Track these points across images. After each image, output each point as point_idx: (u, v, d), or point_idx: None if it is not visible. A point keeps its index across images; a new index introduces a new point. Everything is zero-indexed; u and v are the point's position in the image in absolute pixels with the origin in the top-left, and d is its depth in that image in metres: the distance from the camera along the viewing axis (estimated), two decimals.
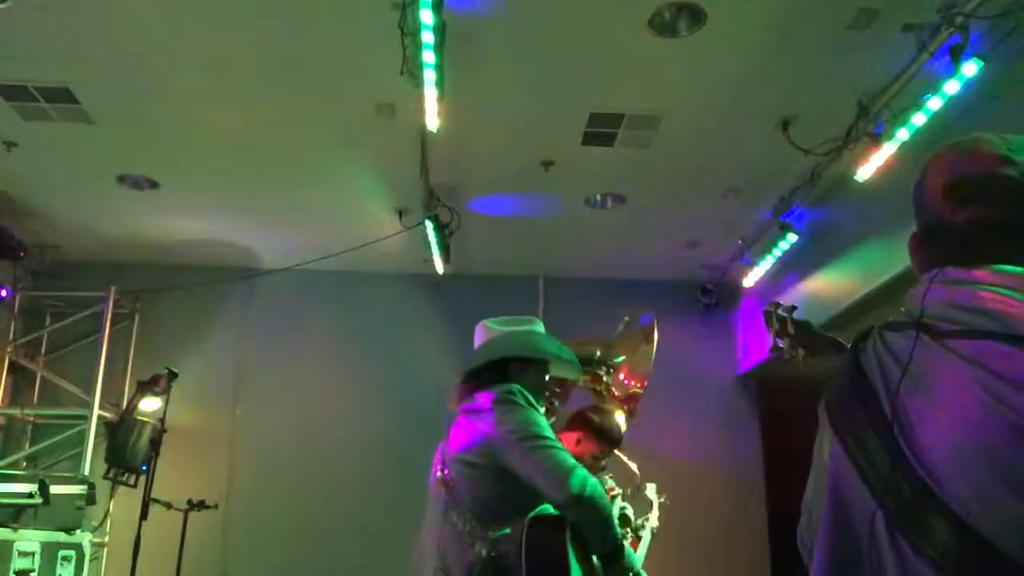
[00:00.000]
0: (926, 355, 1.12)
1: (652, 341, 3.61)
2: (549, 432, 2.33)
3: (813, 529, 1.23)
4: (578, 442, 3.56)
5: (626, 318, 3.82)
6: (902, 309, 1.22)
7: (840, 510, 1.16)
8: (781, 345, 2.28)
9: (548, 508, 2.31)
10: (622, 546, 2.33)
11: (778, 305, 2.32)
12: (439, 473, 2.49)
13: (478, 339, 2.70)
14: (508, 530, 2.26)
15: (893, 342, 1.18)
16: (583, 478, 2.20)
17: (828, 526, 1.19)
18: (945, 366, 1.08)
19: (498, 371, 2.58)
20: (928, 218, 1.30)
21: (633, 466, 3.77)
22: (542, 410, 2.45)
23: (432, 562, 2.39)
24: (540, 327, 2.77)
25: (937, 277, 1.19)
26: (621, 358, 3.64)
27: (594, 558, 2.29)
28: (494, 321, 2.74)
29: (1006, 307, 1.05)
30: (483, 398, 2.47)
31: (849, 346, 1.29)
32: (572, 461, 2.25)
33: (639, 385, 3.54)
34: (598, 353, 3.65)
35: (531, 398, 2.42)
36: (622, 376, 3.61)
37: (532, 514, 2.29)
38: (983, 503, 0.99)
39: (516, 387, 2.44)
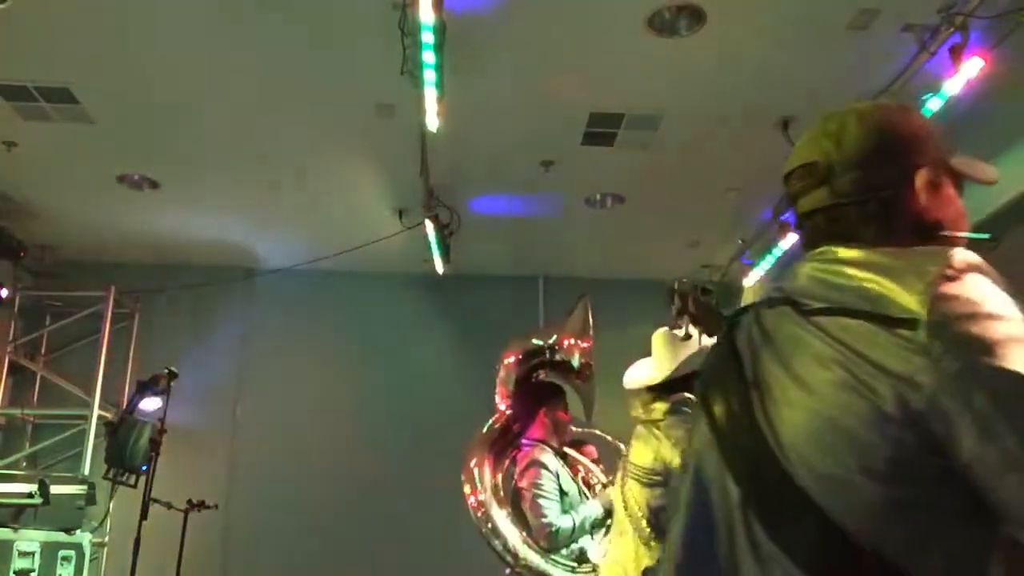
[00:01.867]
0: (791, 332, 1.09)
1: (579, 310, 3.75)
2: None
3: (673, 507, 1.23)
4: (544, 423, 3.58)
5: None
6: (782, 286, 1.19)
7: (699, 487, 1.14)
8: (680, 323, 2.31)
9: None
10: None
11: (683, 282, 2.35)
12: (618, 481, 2.60)
13: (658, 348, 2.67)
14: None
15: (765, 319, 1.16)
16: None
17: (688, 503, 1.17)
18: (808, 343, 1.06)
19: (681, 382, 2.62)
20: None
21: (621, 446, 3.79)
22: None
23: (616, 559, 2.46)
24: None
25: (812, 255, 1.18)
26: (554, 336, 3.79)
27: None
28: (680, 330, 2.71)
29: (873, 287, 1.03)
30: (657, 409, 2.55)
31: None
32: None
33: (584, 342, 3.66)
34: (538, 341, 3.82)
35: None
36: (566, 343, 3.73)
37: None
38: (836, 485, 0.98)
39: (690, 396, 2.51)
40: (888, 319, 0.98)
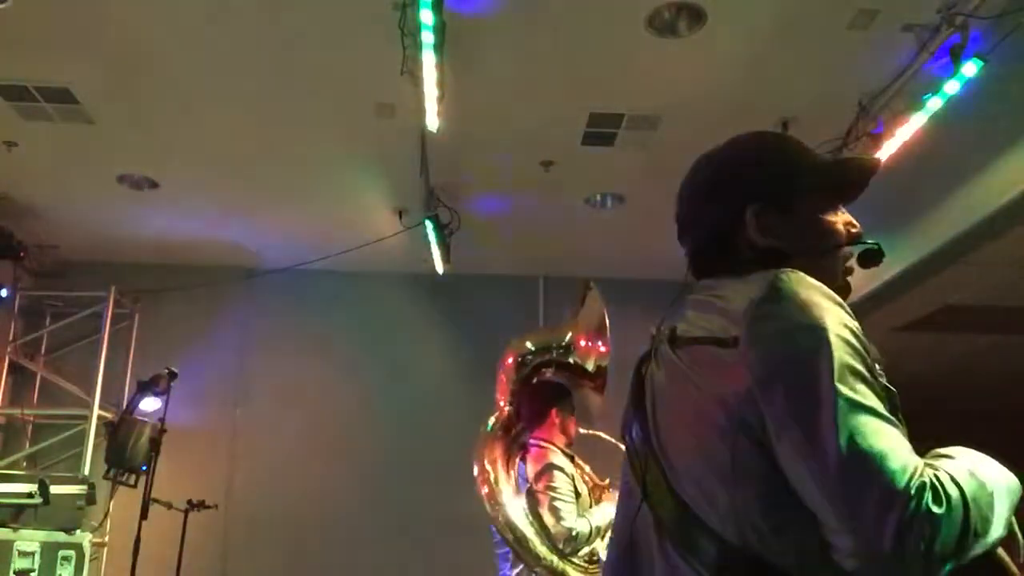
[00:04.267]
0: (669, 363, 1.22)
1: (592, 302, 3.59)
2: None
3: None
4: (554, 423, 3.54)
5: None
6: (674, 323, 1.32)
7: (626, 518, 1.27)
8: None
9: None
10: None
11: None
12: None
13: None
14: None
15: (660, 352, 1.27)
16: None
17: (616, 534, 1.32)
18: (675, 372, 1.20)
19: None
20: None
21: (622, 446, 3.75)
22: None
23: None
24: None
25: (690, 289, 1.31)
26: (569, 334, 3.62)
27: None
28: None
29: (712, 316, 1.16)
30: None
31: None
32: None
33: (603, 346, 3.48)
34: (540, 343, 3.66)
35: None
36: (582, 343, 3.56)
37: None
38: (704, 494, 1.10)
39: None
40: (720, 341, 1.11)
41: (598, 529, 3.28)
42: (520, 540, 3.26)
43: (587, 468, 3.61)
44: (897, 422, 1.03)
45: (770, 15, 4.02)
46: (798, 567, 1.04)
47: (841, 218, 1.30)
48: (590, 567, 3.29)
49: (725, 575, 1.07)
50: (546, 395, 3.60)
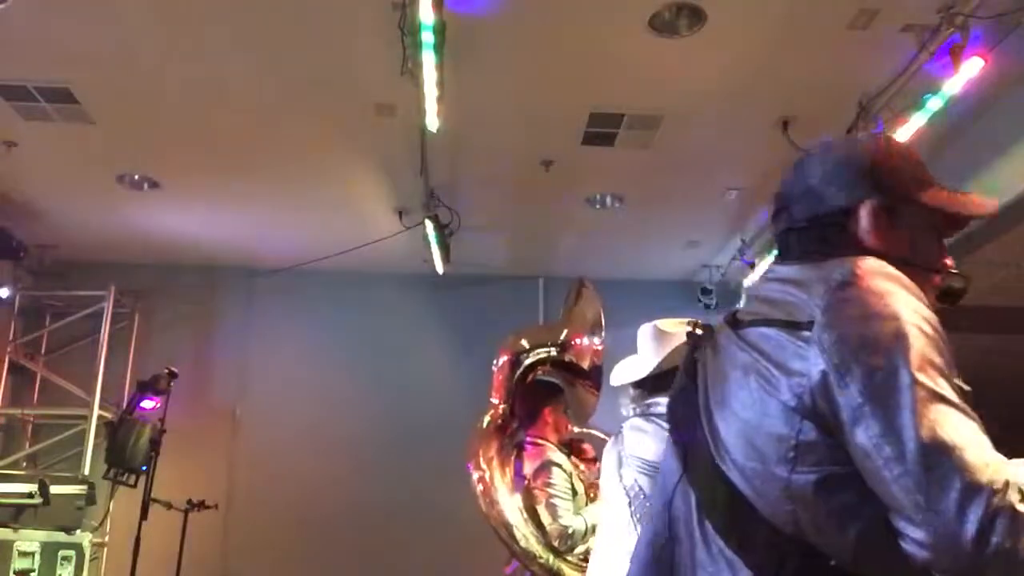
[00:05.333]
0: (727, 346, 1.22)
1: (587, 300, 3.59)
2: None
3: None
4: (547, 422, 3.53)
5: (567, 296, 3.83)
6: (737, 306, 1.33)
7: (664, 497, 1.27)
8: None
9: None
10: None
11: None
12: (618, 474, 2.48)
13: (656, 342, 2.59)
14: None
15: (718, 336, 1.27)
16: None
17: (653, 512, 1.31)
18: (735, 354, 1.18)
19: (672, 375, 2.54)
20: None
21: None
22: None
23: (616, 568, 2.36)
24: None
25: (764, 274, 1.32)
26: (564, 332, 3.60)
27: None
28: (670, 323, 2.65)
29: (788, 298, 1.14)
30: (663, 402, 2.45)
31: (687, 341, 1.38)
32: None
33: (598, 343, 3.47)
34: (535, 342, 3.63)
35: None
36: (577, 341, 3.55)
37: None
38: (759, 477, 1.09)
39: None
40: (794, 324, 1.10)
41: (594, 527, 3.28)
42: (515, 538, 3.27)
43: (581, 466, 3.61)
44: (976, 417, 1.00)
45: (770, 15, 4.02)
46: (855, 559, 1.03)
47: (943, 245, 1.29)
48: (585, 564, 3.29)
49: (772, 563, 1.06)
50: (538, 394, 3.60)
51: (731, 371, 1.18)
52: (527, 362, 3.56)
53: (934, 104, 4.09)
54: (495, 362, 3.61)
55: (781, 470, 1.06)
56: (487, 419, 3.57)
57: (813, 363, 1.05)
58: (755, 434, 1.10)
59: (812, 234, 1.26)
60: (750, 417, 1.11)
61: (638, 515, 2.39)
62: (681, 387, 1.33)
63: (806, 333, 1.07)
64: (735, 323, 1.23)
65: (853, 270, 1.09)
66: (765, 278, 1.28)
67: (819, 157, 1.31)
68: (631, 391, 2.63)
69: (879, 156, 1.29)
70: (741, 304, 1.29)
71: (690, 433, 1.23)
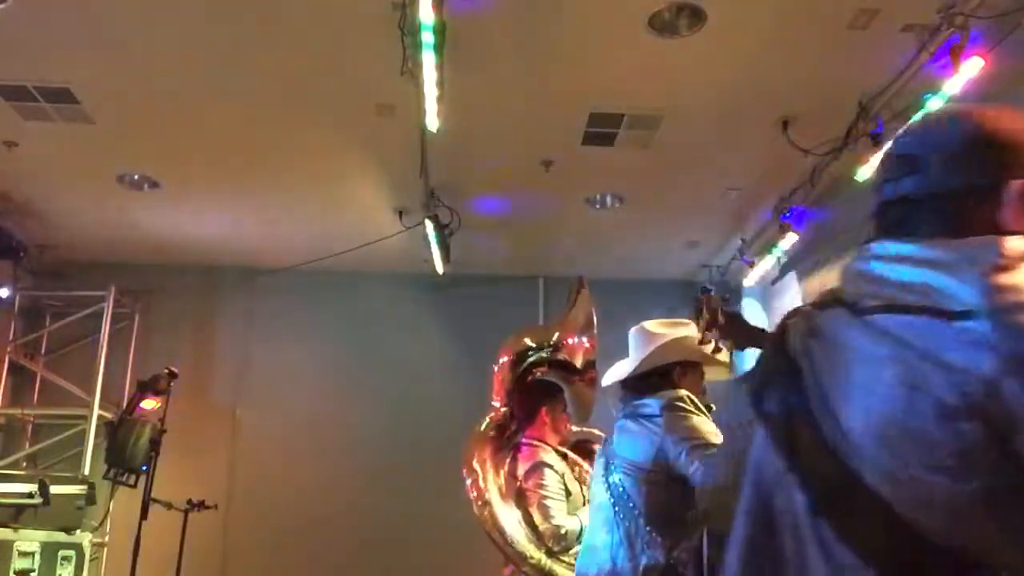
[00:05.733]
0: (846, 333, 1.10)
1: (582, 300, 3.61)
2: (720, 439, 2.28)
3: (728, 515, 1.22)
4: (545, 422, 3.53)
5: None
6: (831, 287, 1.19)
7: (760, 495, 1.15)
8: (710, 337, 2.28)
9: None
10: None
11: (708, 293, 2.31)
12: (605, 475, 2.47)
13: (640, 343, 2.62)
14: (680, 537, 2.25)
15: (818, 321, 1.17)
16: None
17: (746, 511, 1.18)
18: (863, 343, 1.07)
19: (663, 375, 2.55)
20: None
21: None
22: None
23: (602, 567, 2.38)
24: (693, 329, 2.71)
25: (864, 251, 1.17)
26: (557, 333, 3.63)
27: None
28: (656, 324, 2.66)
29: (929, 281, 1.03)
30: (652, 404, 2.44)
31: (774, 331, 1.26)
32: None
33: (589, 342, 3.49)
34: (537, 339, 3.66)
35: (698, 404, 2.40)
36: (569, 342, 3.58)
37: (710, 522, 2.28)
38: (903, 482, 0.98)
39: (684, 393, 2.43)
40: (945, 312, 0.98)
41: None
42: (507, 540, 3.27)
43: (585, 465, 3.61)
44: None
45: (770, 15, 4.01)
46: (1013, 570, 0.94)
47: None
48: None
49: (892, 563, 0.98)
50: (535, 394, 3.61)
51: (857, 361, 1.06)
52: (526, 363, 3.57)
53: (934, 104, 4.08)
54: (496, 364, 3.63)
55: (937, 478, 0.95)
56: (487, 421, 3.59)
57: (979, 359, 0.93)
58: (896, 433, 0.99)
59: (944, 208, 1.12)
60: (889, 414, 1.00)
61: (622, 515, 2.39)
62: (771, 381, 1.20)
63: (963, 323, 0.96)
64: (853, 308, 1.10)
65: (1003, 251, 0.99)
66: (879, 256, 1.14)
67: (956, 125, 1.18)
68: (619, 391, 2.63)
69: (1021, 132, 1.17)
70: (840, 284, 1.16)
71: (796, 432, 1.11)
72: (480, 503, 3.36)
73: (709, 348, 2.30)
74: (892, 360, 1.01)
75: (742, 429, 1.27)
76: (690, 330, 2.62)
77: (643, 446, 2.40)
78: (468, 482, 3.43)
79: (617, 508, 2.39)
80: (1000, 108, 1.20)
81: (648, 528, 2.29)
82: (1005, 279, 0.97)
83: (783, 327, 1.23)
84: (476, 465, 3.44)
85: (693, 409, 2.37)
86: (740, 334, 2.24)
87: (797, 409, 1.12)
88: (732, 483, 1.27)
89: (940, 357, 0.96)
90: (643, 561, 2.26)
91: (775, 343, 1.23)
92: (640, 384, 2.54)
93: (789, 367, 1.16)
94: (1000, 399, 0.92)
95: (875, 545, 0.99)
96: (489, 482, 3.40)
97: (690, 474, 2.23)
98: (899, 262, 1.10)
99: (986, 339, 0.94)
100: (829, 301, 1.16)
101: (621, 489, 2.40)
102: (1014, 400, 0.91)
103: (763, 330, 2.19)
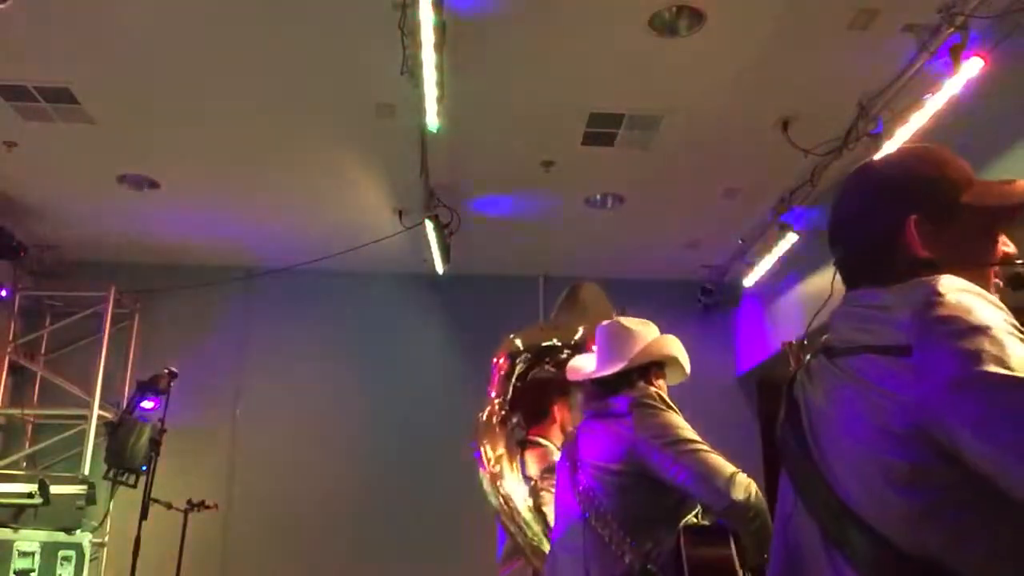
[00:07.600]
0: (825, 375, 1.25)
1: (600, 301, 3.56)
2: (696, 435, 2.22)
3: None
4: (555, 420, 3.49)
5: (559, 300, 3.79)
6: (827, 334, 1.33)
7: (786, 526, 1.30)
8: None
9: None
10: None
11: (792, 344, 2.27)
12: (572, 480, 2.38)
13: (621, 340, 2.55)
14: (655, 540, 2.19)
15: (812, 367, 1.31)
16: (746, 484, 2.10)
17: (777, 539, 1.34)
18: (835, 384, 1.21)
19: (642, 373, 2.48)
20: None
21: None
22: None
23: (575, 573, 2.30)
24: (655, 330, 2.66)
25: (843, 299, 1.31)
26: (580, 331, 3.46)
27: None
28: (633, 322, 2.61)
29: (874, 324, 1.18)
30: (620, 402, 2.36)
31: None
32: (731, 466, 2.14)
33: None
34: (556, 341, 3.54)
35: (668, 400, 2.33)
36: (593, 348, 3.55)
37: (684, 523, 2.22)
38: (874, 503, 1.11)
39: (653, 390, 2.37)
40: (887, 348, 1.12)
41: None
42: (523, 531, 3.25)
43: None
44: None
45: (770, 15, 4.02)
46: (980, 572, 1.05)
47: (996, 238, 1.30)
48: None
49: None
50: (547, 390, 3.57)
51: (834, 401, 1.21)
52: (530, 363, 3.53)
53: (934, 104, 4.09)
54: (496, 360, 3.59)
55: (894, 495, 1.09)
56: (486, 413, 3.55)
57: (919, 386, 1.06)
58: (864, 460, 1.13)
59: (869, 258, 1.29)
60: (859, 444, 1.14)
61: (593, 521, 2.28)
62: (785, 417, 1.35)
63: (904, 359, 1.09)
64: (829, 352, 1.26)
65: (936, 289, 1.12)
66: (846, 306, 1.30)
67: (855, 187, 1.36)
68: (589, 388, 2.55)
69: (912, 171, 1.32)
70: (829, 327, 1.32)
71: (800, 462, 1.26)
72: (495, 492, 3.30)
73: None
74: (856, 396, 1.16)
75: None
76: (656, 331, 2.59)
77: (611, 446, 2.31)
78: (484, 468, 3.35)
79: (588, 514, 2.28)
80: (896, 151, 1.38)
81: (623, 533, 2.19)
82: (934, 314, 1.09)
83: (793, 377, 1.37)
84: (492, 454, 3.37)
85: (663, 406, 2.30)
86: None
87: (800, 450, 1.27)
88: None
89: (887, 389, 1.11)
90: (619, 569, 2.16)
91: (786, 393, 1.37)
92: (617, 381, 2.46)
93: (795, 415, 1.32)
94: (937, 424, 1.04)
95: (868, 564, 1.11)
96: (506, 472, 3.33)
97: (670, 472, 2.15)
98: (856, 307, 1.26)
99: (918, 370, 1.07)
100: (820, 347, 1.30)
101: (591, 494, 2.30)
102: (954, 417, 1.03)
103: None
